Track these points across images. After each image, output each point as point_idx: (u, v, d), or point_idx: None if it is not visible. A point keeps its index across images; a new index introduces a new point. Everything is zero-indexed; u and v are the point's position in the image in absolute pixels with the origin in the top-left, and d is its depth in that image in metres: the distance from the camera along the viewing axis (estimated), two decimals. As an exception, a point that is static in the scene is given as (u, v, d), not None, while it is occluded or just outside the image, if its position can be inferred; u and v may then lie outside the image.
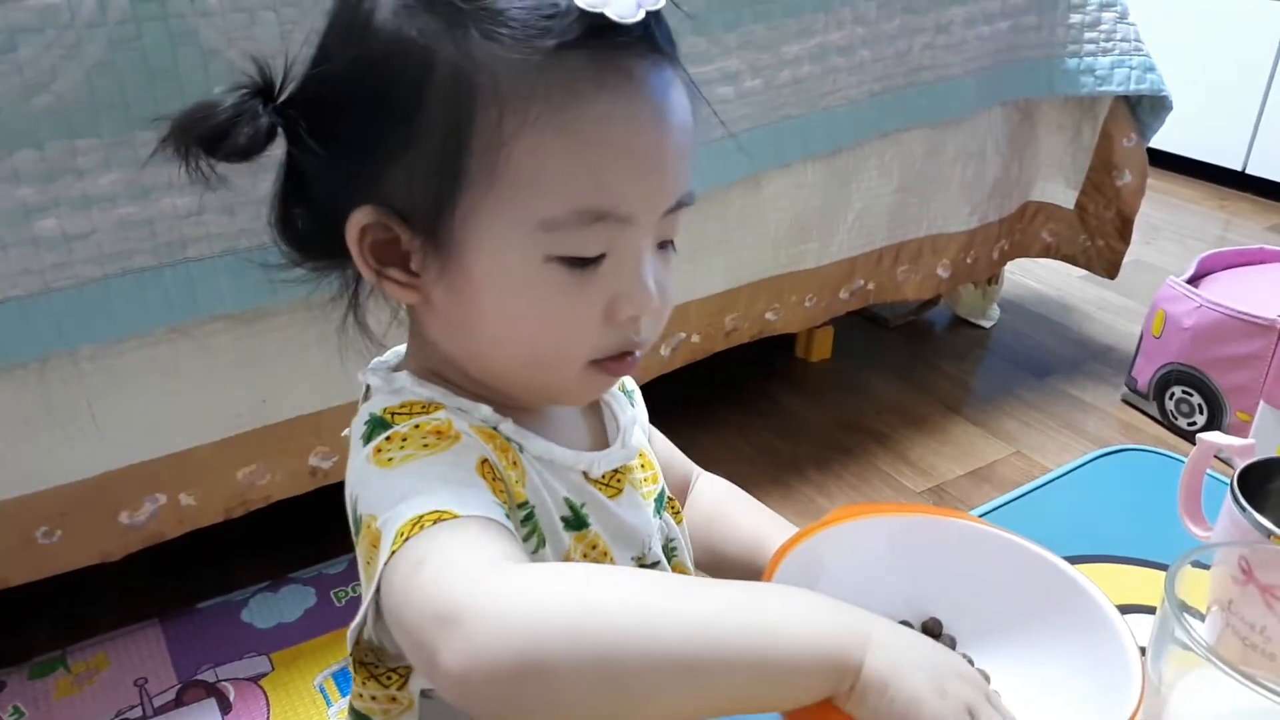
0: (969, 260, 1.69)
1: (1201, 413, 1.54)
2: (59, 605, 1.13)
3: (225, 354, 0.99)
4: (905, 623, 0.54)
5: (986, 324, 1.90)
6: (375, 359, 0.54)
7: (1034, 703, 0.50)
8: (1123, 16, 1.57)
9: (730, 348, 1.46)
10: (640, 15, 0.43)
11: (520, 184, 0.44)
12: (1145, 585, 0.70)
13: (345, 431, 0.52)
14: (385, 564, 0.40)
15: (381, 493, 0.44)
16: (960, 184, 1.60)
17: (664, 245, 0.49)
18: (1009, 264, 1.83)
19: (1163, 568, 0.72)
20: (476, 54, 0.43)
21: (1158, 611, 0.54)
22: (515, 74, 0.43)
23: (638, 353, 0.50)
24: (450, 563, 0.39)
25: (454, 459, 0.44)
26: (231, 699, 1.05)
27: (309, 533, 1.17)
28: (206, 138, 0.46)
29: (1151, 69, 1.58)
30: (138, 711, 1.04)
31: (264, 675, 1.08)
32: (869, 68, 1.38)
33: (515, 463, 0.48)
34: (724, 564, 0.65)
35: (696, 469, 0.70)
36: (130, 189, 0.88)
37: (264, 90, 0.47)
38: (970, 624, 0.56)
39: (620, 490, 0.54)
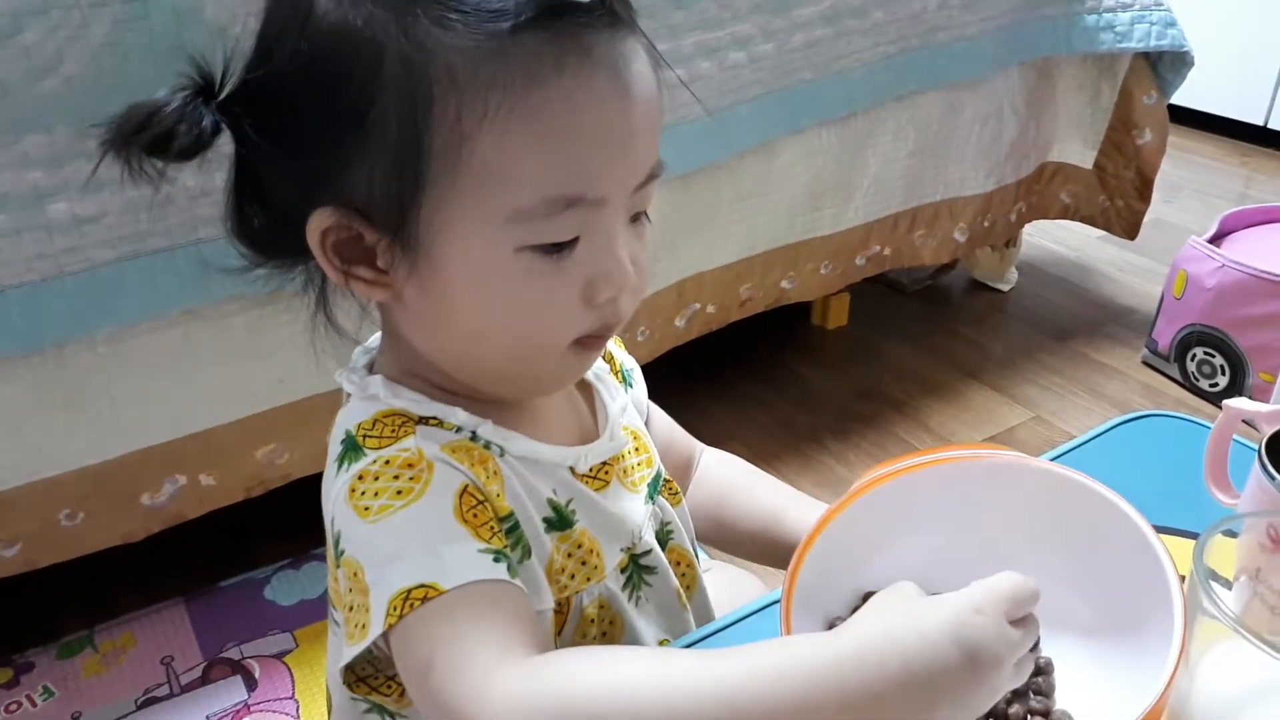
0: (986, 223, 1.67)
1: (1223, 374, 1.52)
2: (85, 586, 1.14)
3: (240, 334, 0.99)
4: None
5: (1004, 287, 1.88)
6: (353, 358, 0.53)
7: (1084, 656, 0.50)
8: (1142, -29, 1.53)
9: (745, 317, 1.45)
10: None
11: (486, 177, 0.42)
12: (1176, 553, 0.70)
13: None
14: (384, 632, 0.42)
15: (363, 545, 0.44)
16: (977, 146, 1.58)
17: (636, 218, 0.48)
18: (1026, 226, 1.81)
19: (1190, 535, 0.72)
20: (428, 43, 0.41)
21: (1186, 581, 0.53)
22: (471, 62, 0.41)
23: (618, 326, 0.49)
24: (453, 672, 0.40)
25: (430, 505, 0.44)
26: (257, 676, 1.06)
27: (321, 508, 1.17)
28: (148, 142, 0.44)
29: (1172, 24, 1.55)
30: (165, 690, 1.05)
31: (288, 652, 1.09)
32: (883, 29, 1.36)
33: (495, 472, 0.47)
34: (736, 540, 0.65)
35: (700, 446, 0.69)
36: (140, 171, 0.87)
37: (204, 89, 0.45)
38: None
39: (607, 483, 0.54)
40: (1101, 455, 0.82)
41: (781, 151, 1.34)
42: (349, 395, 0.51)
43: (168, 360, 0.96)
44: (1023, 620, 0.41)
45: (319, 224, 0.45)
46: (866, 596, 0.52)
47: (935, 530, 0.54)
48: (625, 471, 0.56)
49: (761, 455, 1.39)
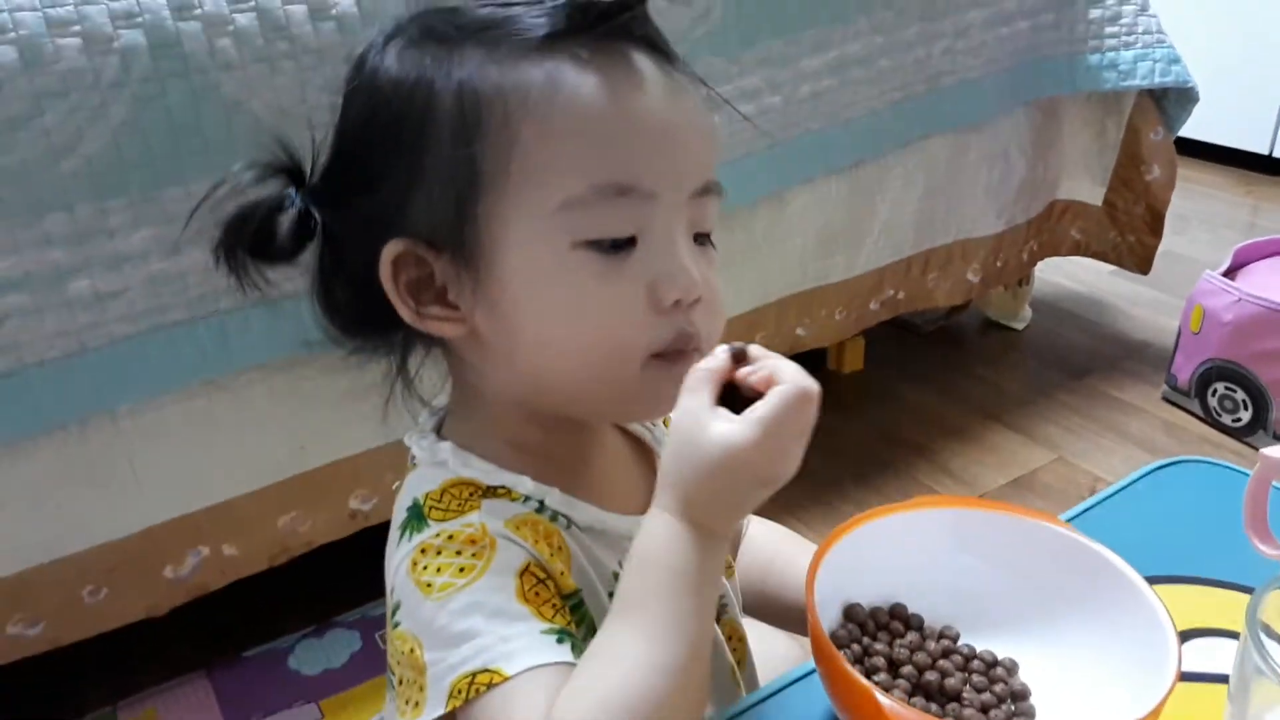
0: (999, 263, 1.67)
1: (1246, 409, 1.51)
2: (106, 657, 1.13)
3: (261, 403, 0.99)
4: (898, 608, 0.58)
5: (1019, 326, 1.88)
6: (420, 421, 0.54)
7: (1075, 690, 0.54)
8: (1143, 8, 1.55)
9: (762, 365, 1.45)
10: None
11: (534, 170, 0.44)
12: (1216, 606, 0.68)
13: (396, 484, 0.51)
14: (444, 713, 0.42)
15: (423, 622, 0.44)
16: (986, 187, 1.58)
17: (700, 240, 0.49)
18: (1038, 263, 1.81)
19: (1233, 587, 0.70)
20: (475, 65, 0.44)
21: (1240, 640, 0.52)
22: (513, 68, 0.44)
23: (703, 348, 0.48)
24: None
25: (492, 585, 0.44)
26: (283, 749, 1.05)
27: (350, 575, 1.16)
28: (251, 241, 0.46)
29: (1176, 60, 1.56)
30: (190, 765, 1.04)
31: (314, 723, 1.08)
32: (889, 77, 1.37)
33: (560, 547, 0.47)
34: (780, 611, 0.64)
35: (749, 515, 0.69)
36: (161, 245, 0.88)
37: (294, 173, 0.48)
38: (1006, 611, 0.59)
39: None
40: (1134, 504, 0.81)
41: (792, 200, 1.35)
42: (415, 458, 0.51)
43: (190, 431, 0.96)
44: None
45: (389, 255, 0.46)
46: (848, 609, 0.55)
47: (942, 565, 0.59)
48: None
49: (785, 506, 1.38)
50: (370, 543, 0.60)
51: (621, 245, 0.45)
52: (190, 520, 0.99)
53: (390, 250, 0.46)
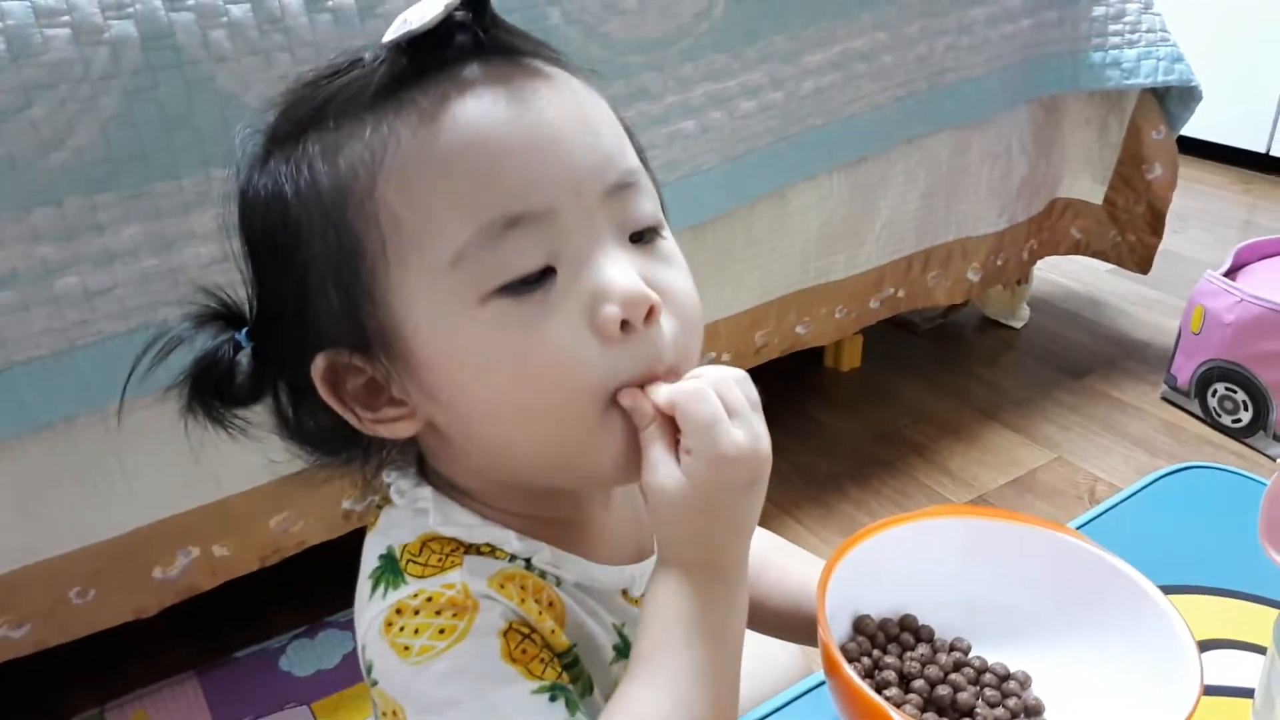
0: (999, 262, 1.66)
1: (1246, 409, 1.50)
2: (94, 659, 1.11)
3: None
4: (909, 620, 0.57)
5: (1017, 324, 1.87)
6: (397, 453, 0.50)
7: (1091, 703, 0.52)
8: (1147, 6, 1.53)
9: (760, 364, 1.43)
10: (440, 12, 0.39)
11: (410, 234, 0.40)
12: (1232, 617, 0.67)
13: (376, 501, 0.49)
14: None
15: (404, 688, 0.41)
16: (988, 185, 1.57)
17: (643, 237, 0.43)
18: (1037, 262, 1.80)
19: (1248, 598, 0.69)
20: (318, 150, 0.41)
21: (1266, 657, 0.51)
22: (351, 136, 0.40)
23: (679, 369, 0.42)
24: None
25: (475, 647, 0.41)
26: (275, 752, 1.03)
27: (342, 574, 1.15)
28: (219, 391, 0.45)
29: (1179, 59, 1.55)
30: (180, 769, 1.02)
31: (306, 726, 1.06)
32: (891, 73, 1.35)
33: (552, 602, 0.45)
34: (770, 617, 0.62)
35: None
36: (152, 241, 0.86)
37: (231, 317, 0.46)
38: (1018, 622, 0.58)
39: None
40: (1143, 512, 0.80)
41: (794, 198, 1.33)
42: (389, 489, 0.48)
43: (180, 431, 0.94)
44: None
45: (316, 372, 0.43)
46: (858, 621, 0.54)
47: (953, 576, 0.58)
48: None
49: (783, 506, 1.37)
50: (364, 542, 0.58)
51: (537, 280, 0.39)
52: (180, 520, 0.98)
53: (317, 366, 0.43)
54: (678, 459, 0.41)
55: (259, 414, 0.47)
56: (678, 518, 0.41)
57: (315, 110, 0.41)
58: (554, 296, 0.40)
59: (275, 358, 0.45)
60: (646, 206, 0.43)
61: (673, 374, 0.42)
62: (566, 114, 0.41)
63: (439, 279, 0.40)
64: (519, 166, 0.40)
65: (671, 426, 0.41)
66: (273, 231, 0.43)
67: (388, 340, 0.42)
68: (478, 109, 0.40)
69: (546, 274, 0.40)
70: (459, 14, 0.40)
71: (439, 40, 0.40)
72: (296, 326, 0.43)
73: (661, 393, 0.41)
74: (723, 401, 0.41)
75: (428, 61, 0.40)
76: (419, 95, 0.40)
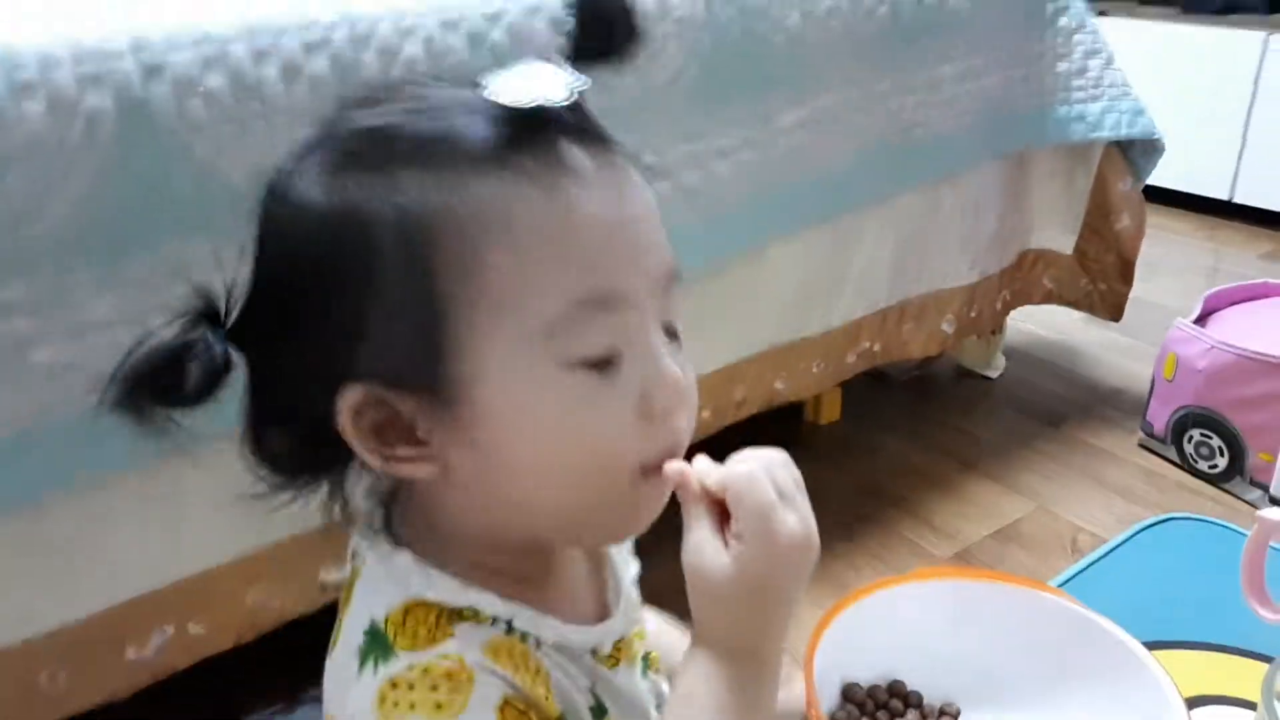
0: (972, 313, 1.68)
1: (1222, 455, 1.51)
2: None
3: (228, 473, 0.95)
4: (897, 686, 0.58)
5: (993, 374, 1.88)
6: (363, 511, 0.49)
7: None
8: (1109, 62, 1.57)
9: (740, 419, 1.43)
10: (568, 95, 0.41)
11: (507, 295, 0.41)
12: (1220, 672, 0.67)
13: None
14: None
15: None
16: (959, 238, 1.59)
17: (670, 335, 0.46)
18: (1010, 312, 1.82)
19: (1235, 652, 0.69)
20: (412, 190, 0.40)
21: (1256, 714, 0.51)
22: (460, 188, 0.40)
23: (680, 451, 0.46)
24: None
25: None
26: (251, 836, 1.00)
27: (318, 647, 1.12)
28: (157, 388, 0.41)
29: (1141, 112, 1.58)
30: None
31: (285, 808, 1.03)
32: (863, 131, 1.37)
33: (538, 671, 0.44)
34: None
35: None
36: (125, 314, 0.85)
37: (210, 315, 0.43)
38: (1006, 683, 0.58)
39: (619, 661, 0.51)
40: (1126, 566, 0.80)
41: (769, 255, 1.34)
42: (358, 556, 0.47)
43: (154, 505, 0.92)
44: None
45: (349, 404, 0.42)
46: (846, 689, 0.54)
47: (941, 638, 0.58)
48: (628, 645, 0.52)
49: (766, 563, 1.36)
50: (338, 612, 0.57)
51: (608, 362, 0.43)
52: (154, 597, 0.95)
53: (350, 398, 0.42)
54: (724, 541, 0.43)
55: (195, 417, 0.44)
56: (722, 603, 0.42)
57: (417, 144, 0.41)
58: (618, 375, 0.43)
59: (270, 372, 0.44)
60: (679, 304, 0.47)
61: (681, 449, 0.46)
62: (645, 205, 0.45)
63: (524, 342, 0.42)
64: (613, 250, 0.43)
65: (718, 508, 0.43)
66: (334, 250, 0.42)
67: (446, 387, 0.42)
68: (594, 193, 0.42)
69: (615, 353, 0.43)
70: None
71: (546, 112, 0.41)
72: (319, 348, 0.43)
73: (713, 475, 0.44)
74: (773, 485, 0.43)
75: (531, 129, 0.41)
76: (530, 163, 0.41)
